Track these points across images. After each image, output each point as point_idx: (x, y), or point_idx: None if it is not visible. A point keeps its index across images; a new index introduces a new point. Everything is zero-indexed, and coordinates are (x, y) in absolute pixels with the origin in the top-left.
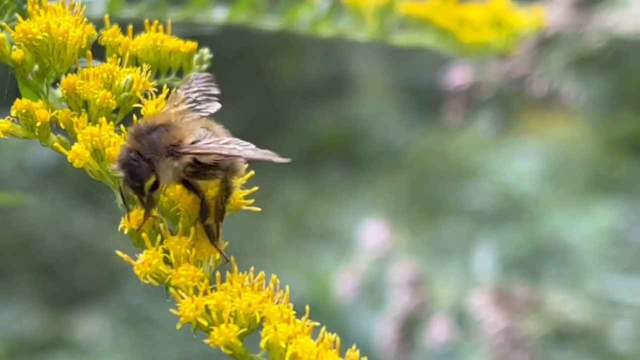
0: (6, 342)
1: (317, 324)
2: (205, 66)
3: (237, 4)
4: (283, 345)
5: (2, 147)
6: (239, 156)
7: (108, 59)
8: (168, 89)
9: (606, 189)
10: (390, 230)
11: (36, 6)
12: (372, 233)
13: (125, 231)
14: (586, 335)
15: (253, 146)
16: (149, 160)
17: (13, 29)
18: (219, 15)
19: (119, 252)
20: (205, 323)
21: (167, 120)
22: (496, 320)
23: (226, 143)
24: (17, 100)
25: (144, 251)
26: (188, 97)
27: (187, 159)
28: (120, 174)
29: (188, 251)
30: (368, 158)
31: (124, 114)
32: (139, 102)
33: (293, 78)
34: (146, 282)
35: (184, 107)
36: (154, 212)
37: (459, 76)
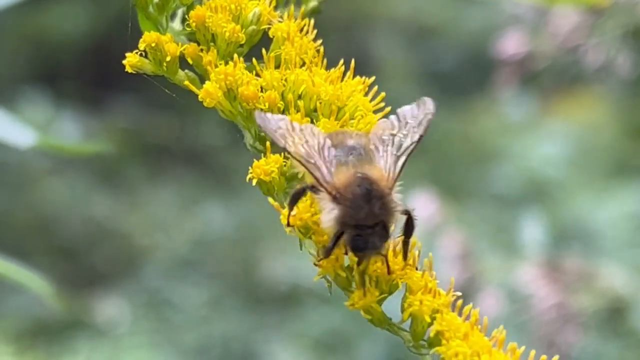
0: (26, 324)
1: (461, 295)
2: None
3: None
4: (428, 320)
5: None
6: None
7: None
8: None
9: (630, 175)
10: (439, 202)
11: None
12: (422, 204)
13: (254, 182)
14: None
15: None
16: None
17: None
18: None
19: (270, 200)
20: (344, 275)
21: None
22: (547, 294)
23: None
24: (146, 33)
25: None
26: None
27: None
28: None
29: None
30: None
31: (249, 46)
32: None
33: None
34: (292, 234)
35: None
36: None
37: (512, 44)
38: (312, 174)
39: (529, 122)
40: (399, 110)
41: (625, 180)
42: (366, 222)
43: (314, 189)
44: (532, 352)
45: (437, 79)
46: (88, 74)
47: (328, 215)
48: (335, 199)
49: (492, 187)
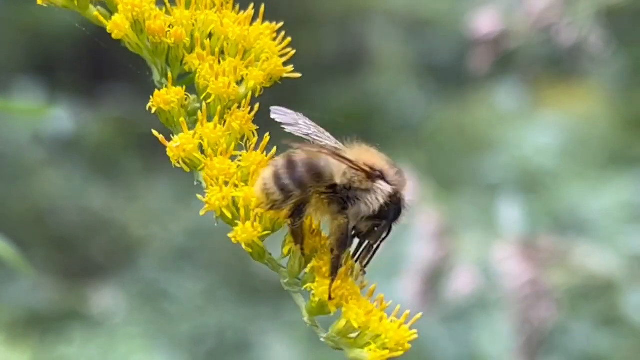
0: (21, 314)
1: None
2: None
3: None
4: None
5: (19, 118)
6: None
7: None
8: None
9: (623, 165)
10: (416, 181)
11: None
12: None
13: (153, 110)
14: (611, 288)
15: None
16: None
17: None
18: None
19: (154, 132)
20: (229, 215)
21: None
22: (521, 271)
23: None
24: None
25: (179, 135)
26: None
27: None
28: None
29: (222, 141)
30: (385, 134)
31: None
32: None
33: (309, 53)
34: (178, 166)
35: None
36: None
37: (486, 23)
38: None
39: (523, 112)
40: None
41: (619, 170)
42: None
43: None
44: (398, 307)
45: (432, 70)
46: (82, 65)
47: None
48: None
49: (486, 176)
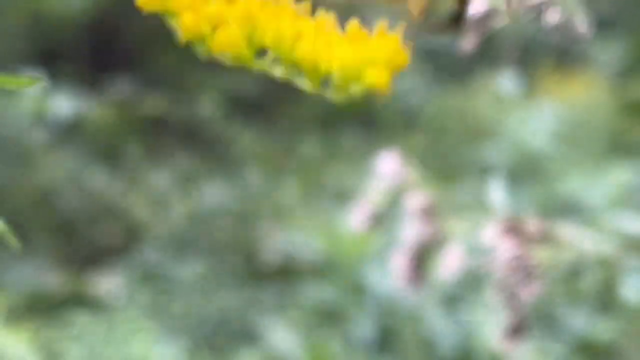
0: (21, 298)
1: None
2: None
3: None
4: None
5: (21, 101)
6: None
7: None
8: None
9: (624, 151)
10: (405, 163)
11: None
12: (387, 163)
13: None
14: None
15: None
16: None
17: None
18: None
19: None
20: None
21: None
22: (507, 248)
23: None
24: None
25: None
26: None
27: None
28: None
29: None
30: (384, 120)
31: None
32: None
33: None
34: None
35: None
36: None
37: (473, 3)
38: None
39: (523, 98)
40: None
41: (620, 156)
42: None
43: None
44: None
45: (431, 55)
46: (84, 53)
47: None
48: None
49: (485, 163)
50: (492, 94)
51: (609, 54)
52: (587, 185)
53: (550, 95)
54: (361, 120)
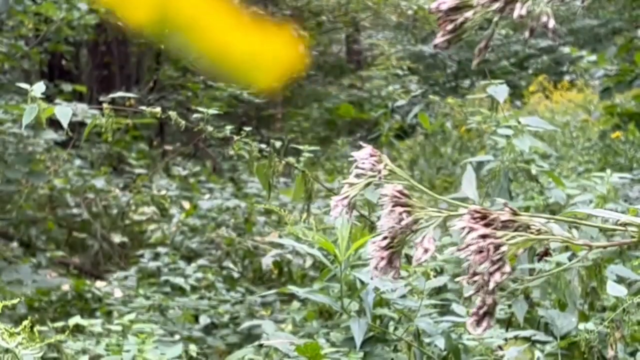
0: (25, 299)
1: None
2: None
3: None
4: None
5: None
6: None
7: None
8: None
9: (613, 163)
10: (383, 156)
11: None
12: (366, 157)
13: None
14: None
15: None
16: None
17: None
18: None
19: None
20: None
21: None
22: (475, 233)
23: None
24: None
25: None
26: None
27: None
28: None
29: None
30: (376, 122)
31: None
32: None
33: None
34: None
35: None
36: None
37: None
38: None
39: (512, 108)
40: None
41: (610, 168)
42: None
43: None
44: None
45: (426, 66)
46: (85, 67)
47: None
48: None
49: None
50: (484, 104)
51: (597, 66)
52: (576, 192)
53: (540, 105)
54: (357, 128)
